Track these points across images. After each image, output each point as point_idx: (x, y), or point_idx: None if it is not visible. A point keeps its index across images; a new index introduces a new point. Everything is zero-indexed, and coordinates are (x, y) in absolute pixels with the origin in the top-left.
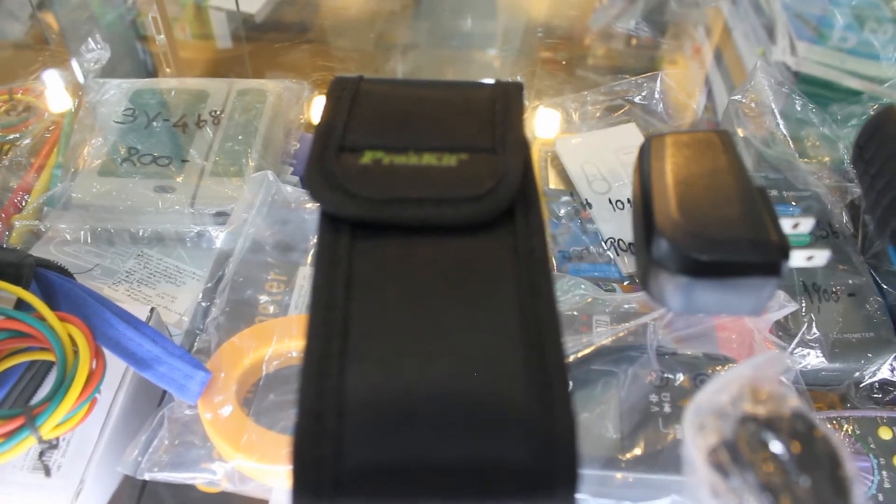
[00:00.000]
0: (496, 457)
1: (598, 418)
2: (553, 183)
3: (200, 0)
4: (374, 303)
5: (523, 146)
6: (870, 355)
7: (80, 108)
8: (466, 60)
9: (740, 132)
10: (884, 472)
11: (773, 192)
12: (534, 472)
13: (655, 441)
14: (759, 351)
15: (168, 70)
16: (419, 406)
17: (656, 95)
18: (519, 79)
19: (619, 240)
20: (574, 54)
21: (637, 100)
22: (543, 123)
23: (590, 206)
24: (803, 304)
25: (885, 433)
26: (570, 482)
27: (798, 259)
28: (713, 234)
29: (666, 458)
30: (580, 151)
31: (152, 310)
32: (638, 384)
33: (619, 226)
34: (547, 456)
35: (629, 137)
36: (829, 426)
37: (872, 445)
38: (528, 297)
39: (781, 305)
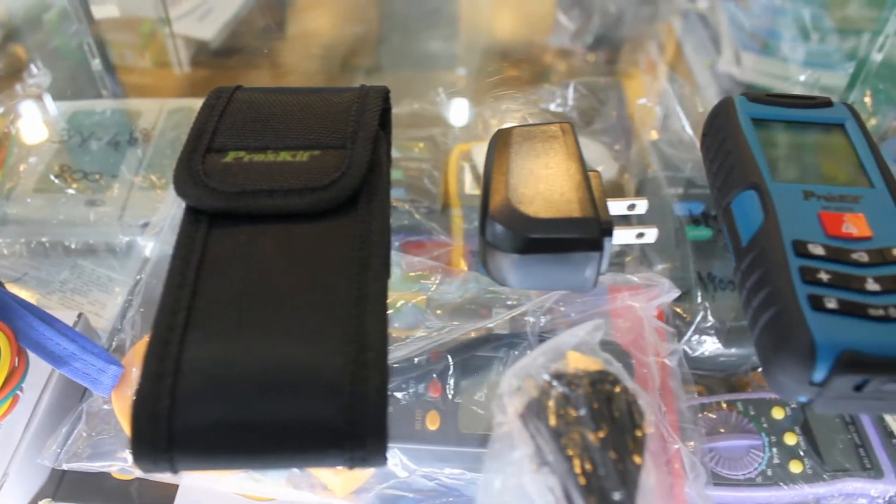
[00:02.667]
0: (311, 416)
1: (480, 400)
2: (469, 188)
3: (158, 27)
4: (220, 282)
5: (374, 142)
6: None
7: (18, 130)
8: (430, 81)
9: (654, 134)
10: (774, 450)
11: (678, 190)
12: (344, 428)
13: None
14: (647, 335)
15: (104, 92)
16: (246, 371)
17: (570, 102)
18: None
19: None
20: (535, 71)
21: (552, 107)
22: (469, 132)
23: None
24: (699, 294)
25: (777, 413)
26: (378, 436)
27: (628, 237)
28: (540, 214)
29: None
30: None
31: (80, 315)
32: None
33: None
34: (356, 413)
35: None
36: (723, 407)
37: (765, 425)
38: (359, 274)
39: (666, 292)
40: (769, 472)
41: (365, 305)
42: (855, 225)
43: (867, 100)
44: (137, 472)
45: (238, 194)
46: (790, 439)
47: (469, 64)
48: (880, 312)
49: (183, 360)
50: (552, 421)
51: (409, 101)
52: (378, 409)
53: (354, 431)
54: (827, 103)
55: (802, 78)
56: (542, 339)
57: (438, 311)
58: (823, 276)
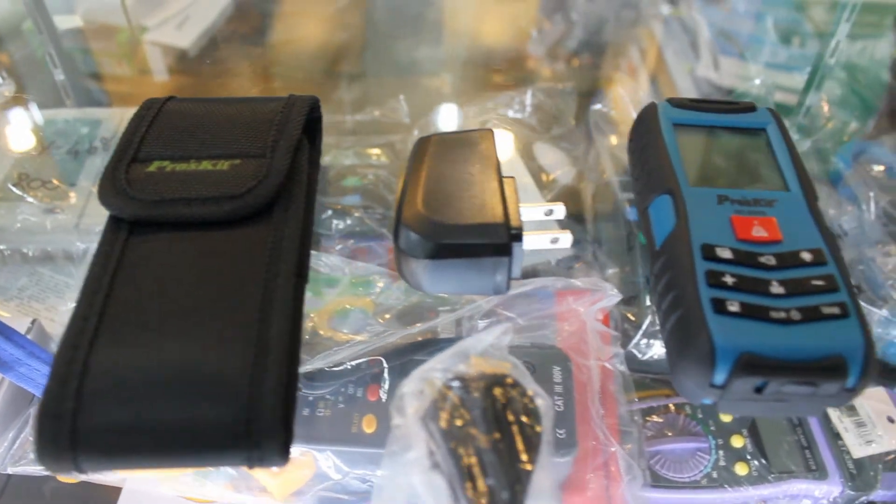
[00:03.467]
0: (210, 417)
1: None
2: None
3: (136, 35)
4: (133, 288)
5: (296, 151)
6: None
7: None
8: (415, 86)
9: (613, 140)
10: (720, 452)
11: (631, 195)
12: (240, 429)
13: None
14: (589, 339)
15: (68, 102)
16: (149, 374)
17: (528, 108)
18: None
19: None
20: (520, 77)
21: (510, 114)
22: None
23: None
24: (647, 298)
25: (725, 416)
26: (274, 436)
27: (543, 241)
28: (450, 220)
29: None
30: None
31: (34, 321)
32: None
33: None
34: (252, 414)
35: (503, 149)
36: (672, 410)
37: (712, 427)
38: (267, 279)
39: (609, 296)
40: (714, 475)
41: (270, 310)
42: (765, 228)
43: (824, 104)
44: (82, 476)
45: (157, 203)
46: (737, 442)
47: (453, 70)
48: (782, 315)
49: (90, 363)
50: (445, 423)
51: (371, 109)
52: (274, 409)
53: (250, 432)
54: (750, 108)
55: (779, 82)
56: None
57: (387, 316)
58: (728, 280)
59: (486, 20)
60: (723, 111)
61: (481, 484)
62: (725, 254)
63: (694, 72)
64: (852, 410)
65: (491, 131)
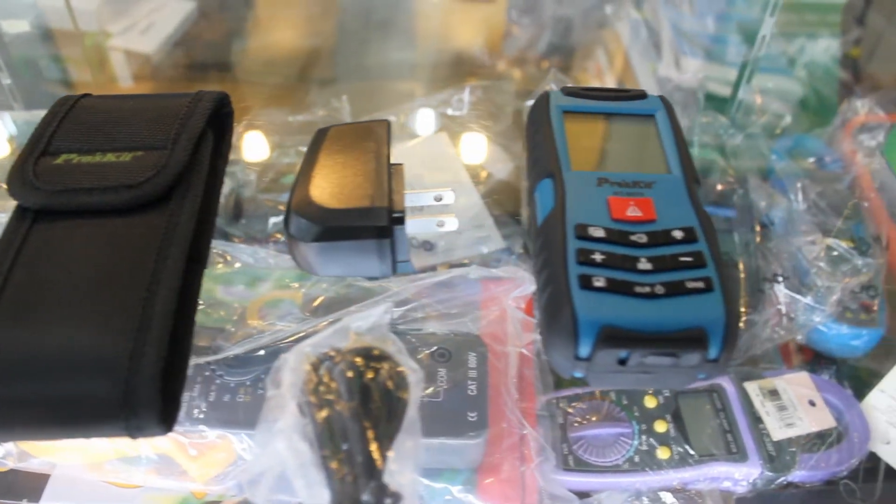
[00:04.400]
0: (90, 390)
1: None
2: None
3: (100, 41)
4: (29, 273)
5: (198, 143)
6: None
7: None
8: (387, 91)
9: None
10: (643, 437)
11: None
12: (118, 400)
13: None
14: (508, 326)
15: (15, 105)
16: (35, 352)
17: (466, 105)
18: None
19: (411, 238)
20: (491, 80)
21: (449, 112)
22: None
23: None
24: None
25: (650, 402)
26: (151, 406)
27: (429, 225)
28: (335, 205)
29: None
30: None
31: None
32: None
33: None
34: (130, 386)
35: (440, 145)
36: (597, 396)
37: (637, 413)
38: (157, 263)
39: (527, 284)
40: (636, 459)
41: (156, 290)
42: (640, 209)
43: (757, 98)
44: (10, 464)
45: (60, 192)
46: (660, 427)
47: (425, 73)
48: (646, 290)
49: None
50: (313, 394)
51: (314, 110)
52: (152, 381)
53: (128, 402)
54: (641, 96)
55: (727, 77)
56: (395, 331)
57: (313, 305)
58: (597, 257)
59: (457, 24)
60: (614, 98)
61: (340, 449)
62: (598, 233)
63: (657, 72)
64: (775, 395)
65: (386, 122)
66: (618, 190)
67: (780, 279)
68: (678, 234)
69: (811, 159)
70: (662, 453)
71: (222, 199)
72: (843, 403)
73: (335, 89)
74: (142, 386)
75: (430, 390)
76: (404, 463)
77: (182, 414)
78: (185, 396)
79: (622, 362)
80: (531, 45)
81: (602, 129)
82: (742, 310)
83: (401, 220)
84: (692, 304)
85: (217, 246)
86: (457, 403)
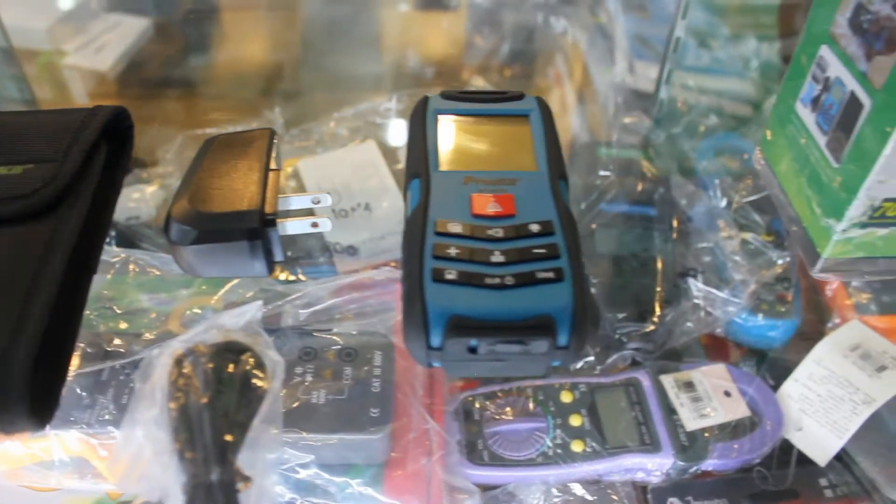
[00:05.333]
0: None
1: None
2: None
3: (55, 59)
4: None
5: (89, 156)
6: None
7: None
8: (353, 103)
9: None
10: (558, 431)
11: None
12: None
13: (293, 403)
14: None
15: None
16: None
17: (393, 113)
18: None
19: (335, 243)
20: (455, 88)
21: (377, 121)
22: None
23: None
24: None
25: (566, 397)
26: (20, 402)
27: (304, 226)
28: (209, 209)
29: (293, 417)
30: (320, 170)
31: None
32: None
33: (338, 231)
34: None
35: (369, 154)
36: (514, 393)
37: (552, 408)
38: (38, 268)
39: None
40: (550, 453)
41: (35, 295)
42: (501, 204)
43: (679, 100)
44: None
45: None
46: (575, 421)
47: (389, 84)
48: (496, 281)
49: None
50: (175, 386)
51: (249, 121)
52: (22, 379)
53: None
54: (518, 97)
55: (691, 83)
56: (301, 331)
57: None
58: (452, 251)
59: (420, 35)
60: (490, 100)
61: (195, 436)
62: (456, 228)
63: (612, 76)
64: (690, 387)
65: (269, 130)
66: (482, 187)
67: (696, 274)
68: (535, 228)
69: (733, 157)
70: (576, 446)
71: (155, 212)
72: (759, 393)
73: (300, 102)
74: (10, 383)
75: (334, 388)
76: (258, 448)
77: (93, 416)
78: (97, 399)
79: (473, 351)
80: (493, 53)
81: (475, 130)
82: (656, 306)
83: (272, 223)
84: (541, 293)
85: (133, 254)
86: (360, 400)
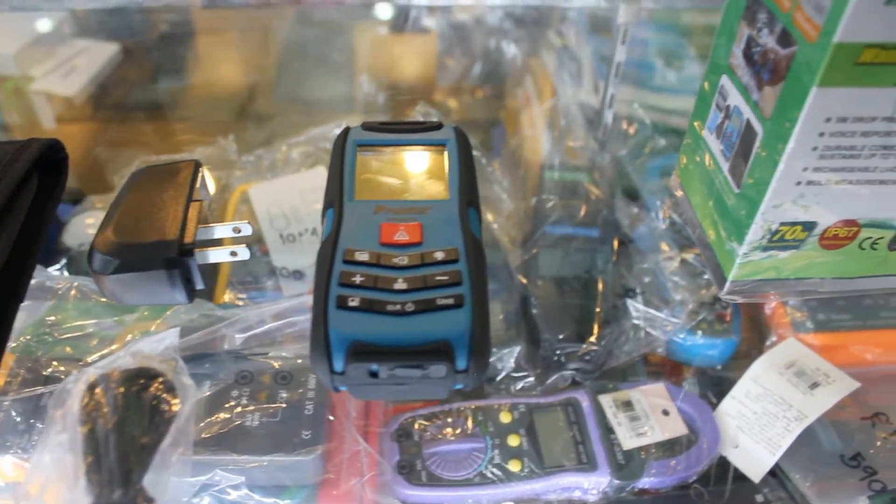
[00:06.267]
0: None
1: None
2: None
3: (21, 85)
4: None
5: (17, 187)
6: (494, 351)
7: None
8: (321, 125)
9: None
10: (496, 451)
11: None
12: None
13: (226, 425)
14: None
15: None
16: None
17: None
18: None
19: (282, 268)
20: (428, 110)
21: (328, 146)
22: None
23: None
24: None
25: (505, 417)
26: None
27: (223, 255)
28: (130, 240)
29: (226, 440)
30: (270, 195)
31: None
32: (221, 381)
33: (286, 256)
34: None
35: (318, 179)
36: (455, 414)
37: (491, 429)
38: None
39: None
40: (487, 473)
41: None
42: (408, 233)
43: (624, 122)
44: None
45: None
46: (513, 441)
47: (361, 107)
48: (398, 308)
49: None
50: (86, 410)
51: (203, 147)
52: None
53: None
54: (437, 126)
55: (653, 102)
56: (238, 355)
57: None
58: (357, 279)
59: (393, 57)
60: (409, 130)
61: (101, 458)
62: (363, 256)
63: (578, 97)
64: (628, 406)
65: (194, 162)
66: (392, 216)
67: (635, 294)
68: (440, 256)
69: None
70: (513, 466)
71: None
72: (697, 411)
73: (272, 125)
74: None
75: (268, 410)
76: (164, 471)
77: (28, 442)
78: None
79: (374, 375)
80: (465, 75)
81: (392, 160)
82: (595, 327)
83: (190, 252)
84: (440, 319)
85: (77, 280)
86: (292, 423)
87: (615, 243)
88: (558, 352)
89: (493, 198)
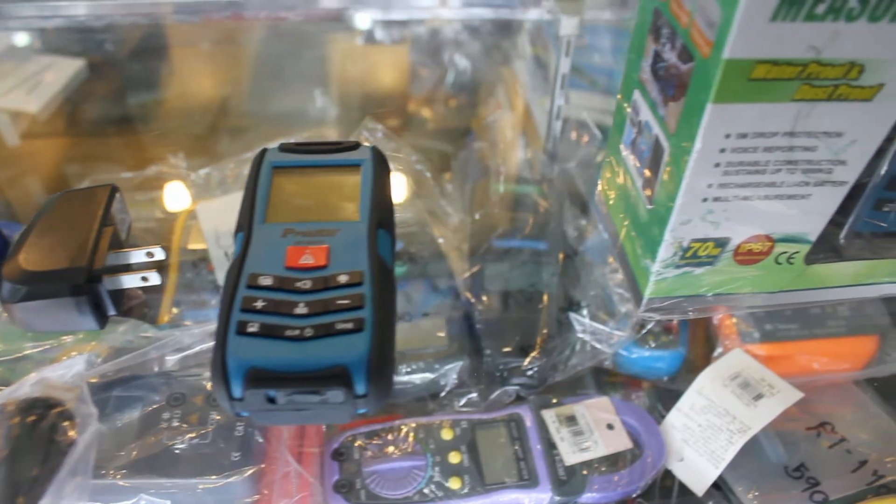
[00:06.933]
0: None
1: (117, 433)
2: (193, 243)
3: None
4: None
5: None
6: (436, 366)
7: None
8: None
9: None
10: (436, 468)
11: None
12: None
13: (155, 448)
14: None
15: None
16: None
17: None
18: None
19: None
20: (403, 121)
21: None
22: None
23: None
24: None
25: (446, 434)
26: None
27: (135, 280)
28: (39, 268)
29: (154, 463)
30: (216, 213)
31: None
32: (152, 403)
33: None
34: None
35: None
36: (396, 431)
37: (432, 446)
38: None
39: None
40: (426, 490)
41: None
42: (314, 256)
43: (573, 132)
44: None
45: None
46: (454, 458)
47: (333, 118)
48: (296, 333)
49: None
50: None
51: (154, 166)
52: None
53: None
54: (353, 147)
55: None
56: (170, 377)
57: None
58: (259, 304)
59: (367, 68)
60: (326, 151)
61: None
62: (267, 281)
63: (547, 105)
64: (572, 421)
65: (109, 186)
66: (300, 239)
67: (579, 308)
68: (343, 279)
69: None
70: (454, 483)
71: None
72: (642, 425)
73: (246, 138)
74: None
75: (198, 432)
76: (62, 500)
77: None
78: None
79: (273, 401)
80: (438, 84)
81: (306, 182)
82: (538, 341)
83: (98, 279)
84: (338, 344)
85: None
86: (222, 444)
87: (560, 256)
88: (501, 367)
89: (439, 211)
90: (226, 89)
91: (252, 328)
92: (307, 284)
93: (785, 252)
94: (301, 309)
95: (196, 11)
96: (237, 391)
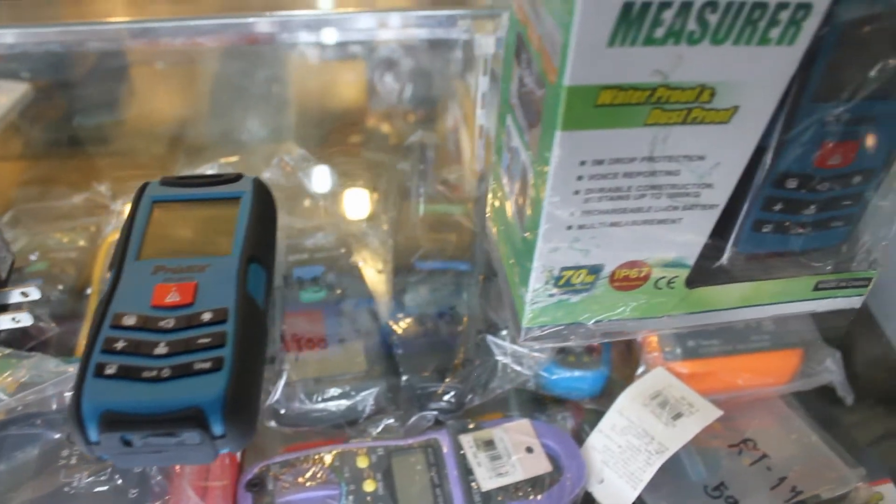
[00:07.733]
0: None
1: (13, 472)
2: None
3: None
4: None
5: None
6: (353, 393)
7: None
8: (263, 155)
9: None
10: (350, 497)
11: (303, 256)
12: None
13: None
14: None
15: None
16: None
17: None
18: None
19: None
20: (363, 137)
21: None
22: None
23: None
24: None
25: (362, 462)
26: None
27: (6, 322)
28: None
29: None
30: None
31: None
32: (51, 440)
33: None
34: None
35: None
36: (312, 459)
37: (347, 474)
38: None
39: None
40: None
41: None
42: (180, 294)
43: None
44: None
45: None
46: (369, 486)
47: (293, 135)
48: (154, 374)
49: None
50: None
51: (72, 194)
52: None
53: None
54: (235, 179)
55: None
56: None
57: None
58: (119, 345)
59: (326, 85)
60: (207, 184)
61: None
62: (130, 321)
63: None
64: (490, 445)
65: None
66: (169, 276)
67: (498, 330)
68: (207, 317)
69: None
70: None
71: None
72: (562, 447)
73: (205, 156)
74: None
75: (96, 469)
76: None
77: None
78: None
79: (129, 444)
80: (397, 99)
81: (183, 217)
82: (456, 364)
83: None
84: (194, 384)
85: None
86: (120, 482)
87: (480, 278)
88: (419, 391)
89: (360, 233)
90: (182, 109)
91: (110, 370)
92: (170, 323)
93: (664, 277)
94: (161, 349)
95: (115, 38)
96: (93, 435)
